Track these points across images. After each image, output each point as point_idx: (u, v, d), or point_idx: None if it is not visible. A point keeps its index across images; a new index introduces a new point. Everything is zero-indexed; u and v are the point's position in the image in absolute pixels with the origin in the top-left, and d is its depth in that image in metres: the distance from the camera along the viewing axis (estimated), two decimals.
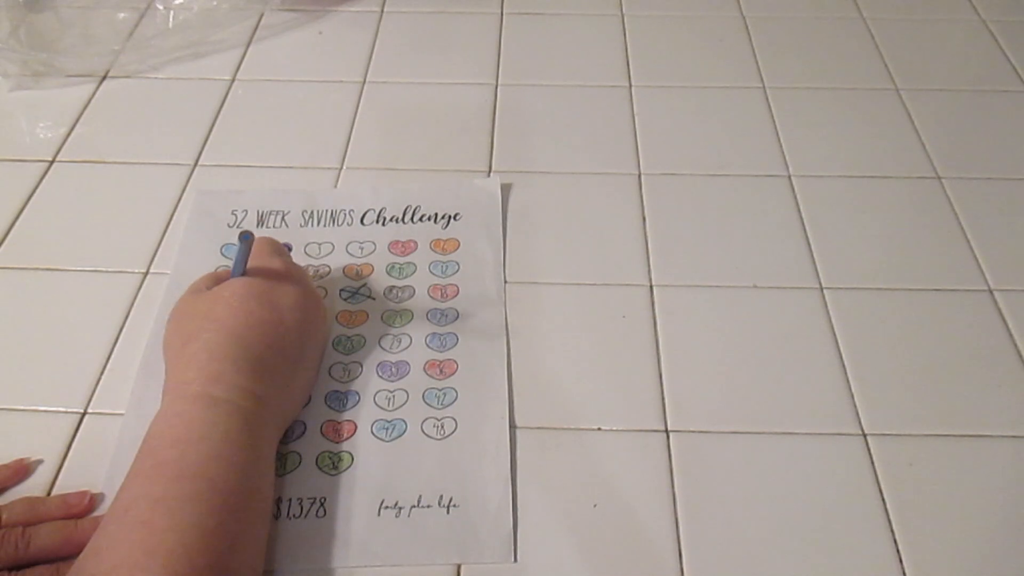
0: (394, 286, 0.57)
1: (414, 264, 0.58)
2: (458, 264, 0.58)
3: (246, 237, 0.48)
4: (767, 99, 0.72)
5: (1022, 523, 0.46)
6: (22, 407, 0.50)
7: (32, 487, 0.47)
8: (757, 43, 0.78)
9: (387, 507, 0.46)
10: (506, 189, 0.64)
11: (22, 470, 0.47)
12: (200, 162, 0.66)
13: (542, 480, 0.47)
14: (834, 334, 0.55)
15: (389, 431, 0.49)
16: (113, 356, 0.53)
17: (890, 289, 0.57)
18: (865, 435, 0.50)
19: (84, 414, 0.50)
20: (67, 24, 0.76)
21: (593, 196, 0.64)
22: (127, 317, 0.55)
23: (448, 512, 0.46)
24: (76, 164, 0.66)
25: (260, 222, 0.61)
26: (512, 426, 0.50)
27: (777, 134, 0.69)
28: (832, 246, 0.60)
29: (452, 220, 0.61)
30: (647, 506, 0.46)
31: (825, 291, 0.57)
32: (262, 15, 0.80)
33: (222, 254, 0.59)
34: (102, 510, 0.45)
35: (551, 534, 0.45)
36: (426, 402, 0.51)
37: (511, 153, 0.67)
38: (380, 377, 0.52)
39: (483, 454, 0.48)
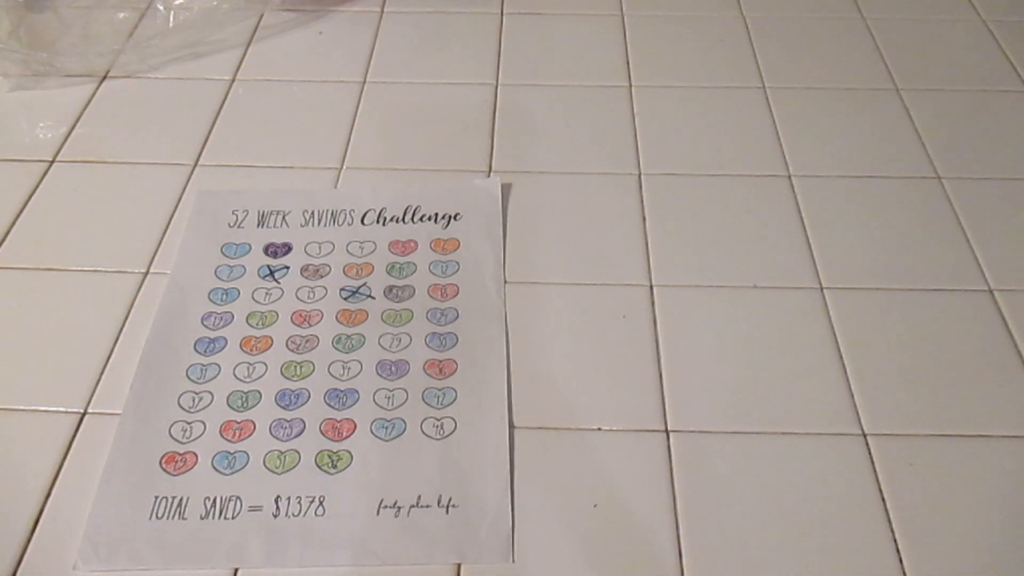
0: (394, 285, 0.57)
1: (414, 264, 0.58)
2: (458, 264, 0.58)
3: None
4: (767, 99, 0.72)
5: (1022, 523, 0.46)
6: (22, 407, 0.50)
7: (32, 487, 0.47)
8: (757, 43, 0.78)
9: (386, 506, 0.46)
10: (506, 189, 0.64)
11: None
12: (200, 162, 0.66)
13: (542, 480, 0.47)
14: (834, 334, 0.54)
15: (388, 430, 0.49)
16: (113, 356, 0.53)
17: (890, 289, 0.57)
18: (865, 435, 0.49)
19: (84, 414, 0.50)
20: (67, 24, 0.76)
21: (593, 196, 0.63)
22: (127, 317, 0.55)
23: (447, 512, 0.46)
24: (76, 164, 0.66)
25: (260, 222, 0.61)
26: (512, 426, 0.50)
27: (777, 134, 0.69)
28: (832, 246, 0.60)
29: (452, 220, 0.61)
30: (647, 506, 0.46)
31: (825, 291, 0.57)
32: (262, 15, 0.80)
33: (222, 253, 0.59)
34: (96, 512, 0.45)
35: (550, 534, 0.45)
36: (425, 402, 0.51)
37: (511, 153, 0.67)
38: (380, 376, 0.52)
39: (482, 454, 0.48)
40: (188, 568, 0.44)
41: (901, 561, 0.44)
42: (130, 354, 0.53)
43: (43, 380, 0.52)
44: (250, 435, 0.49)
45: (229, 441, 0.49)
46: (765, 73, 0.75)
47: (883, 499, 0.47)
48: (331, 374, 0.52)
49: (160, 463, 0.48)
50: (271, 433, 0.49)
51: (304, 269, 0.58)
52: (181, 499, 0.46)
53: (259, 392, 0.51)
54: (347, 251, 0.59)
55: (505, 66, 0.75)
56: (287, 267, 0.58)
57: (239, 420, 0.50)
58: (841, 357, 0.53)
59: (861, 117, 0.71)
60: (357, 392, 0.51)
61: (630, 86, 0.73)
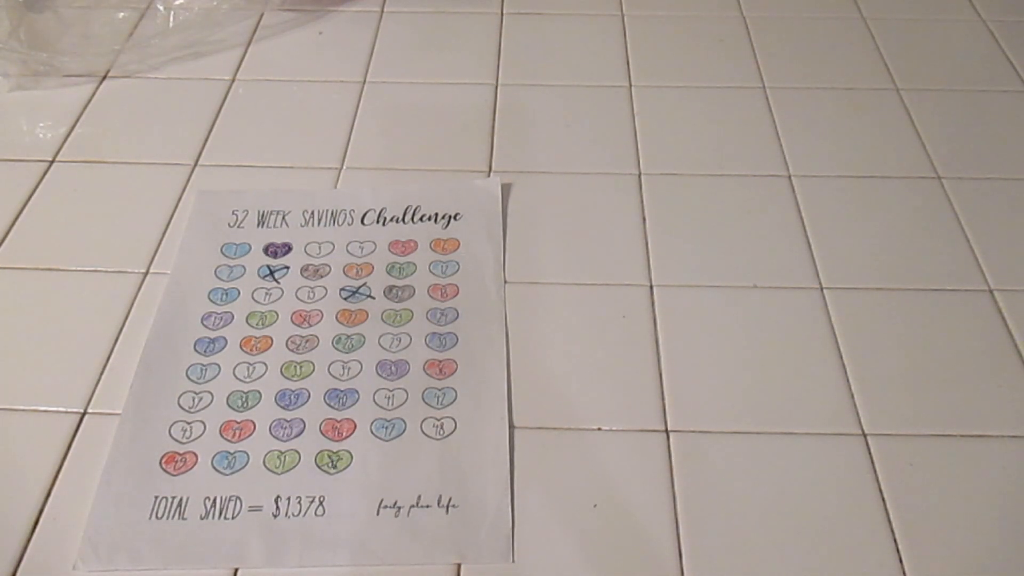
0: (394, 285, 0.57)
1: (414, 264, 0.58)
2: (458, 264, 0.58)
3: None
4: (767, 99, 0.72)
5: (1022, 523, 0.46)
6: (22, 407, 0.50)
7: (32, 487, 0.47)
8: (757, 43, 0.78)
9: (386, 507, 0.46)
10: (506, 189, 0.64)
11: None
12: (200, 162, 0.66)
13: (541, 480, 0.47)
14: (834, 334, 0.54)
15: (388, 430, 0.49)
16: (113, 356, 0.53)
17: (890, 289, 0.57)
18: (865, 435, 0.49)
19: (84, 414, 0.50)
20: (67, 24, 0.76)
21: (593, 196, 0.63)
22: (127, 317, 0.55)
23: (447, 512, 0.46)
24: (76, 164, 0.66)
25: (260, 222, 0.61)
26: (512, 426, 0.50)
27: (777, 134, 0.69)
28: (832, 246, 0.60)
29: (452, 220, 0.61)
30: (647, 506, 0.46)
31: (825, 291, 0.57)
32: (262, 15, 0.80)
33: (222, 253, 0.59)
34: (96, 512, 0.45)
35: (550, 534, 0.45)
36: (425, 402, 0.51)
37: (511, 153, 0.67)
38: (380, 376, 0.52)
39: (482, 454, 0.48)
40: (188, 568, 0.44)
41: (901, 561, 0.44)
42: (130, 354, 0.53)
43: (43, 380, 0.52)
44: (250, 435, 0.49)
45: (229, 441, 0.49)
46: (765, 73, 0.75)
47: (883, 499, 0.47)
48: (331, 374, 0.52)
49: (160, 463, 0.48)
50: (271, 433, 0.49)
51: (304, 269, 0.58)
52: (181, 499, 0.46)
53: (259, 392, 0.51)
54: (347, 251, 0.59)
55: (505, 66, 0.75)
56: (287, 267, 0.58)
57: (239, 420, 0.50)
58: (841, 357, 0.53)
59: (861, 117, 0.71)
60: (357, 392, 0.51)
61: (630, 86, 0.73)
